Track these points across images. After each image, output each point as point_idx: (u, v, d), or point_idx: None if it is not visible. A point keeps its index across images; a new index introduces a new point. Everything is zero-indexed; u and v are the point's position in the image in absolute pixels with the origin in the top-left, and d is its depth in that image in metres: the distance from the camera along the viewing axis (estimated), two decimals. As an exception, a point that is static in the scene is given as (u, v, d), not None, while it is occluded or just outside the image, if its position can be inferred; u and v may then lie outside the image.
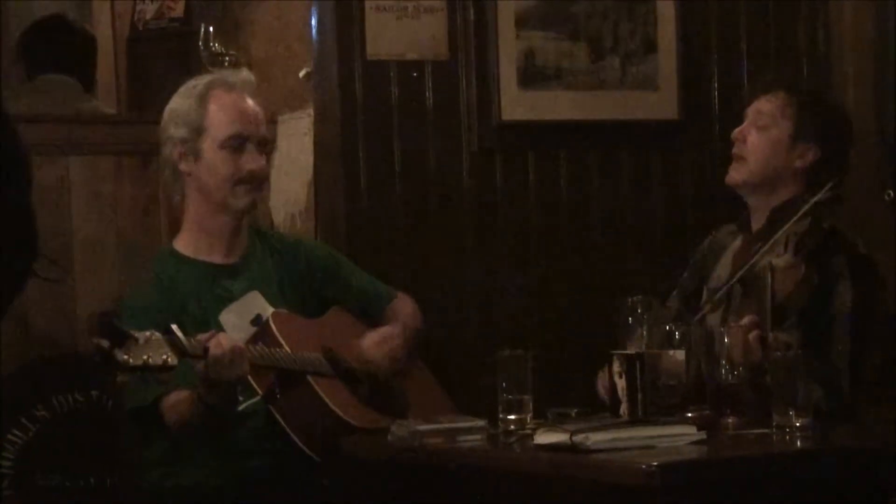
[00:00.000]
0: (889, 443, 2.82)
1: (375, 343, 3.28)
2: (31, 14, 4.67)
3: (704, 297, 3.32)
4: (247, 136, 3.24)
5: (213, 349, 2.98)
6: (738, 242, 3.34)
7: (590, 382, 3.16)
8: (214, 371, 2.97)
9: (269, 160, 3.83)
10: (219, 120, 3.24)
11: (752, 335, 2.96)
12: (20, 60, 4.30)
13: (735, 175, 3.30)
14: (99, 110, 4.28)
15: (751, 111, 3.32)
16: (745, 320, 3.02)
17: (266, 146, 3.30)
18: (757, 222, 3.30)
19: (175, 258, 3.29)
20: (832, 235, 3.20)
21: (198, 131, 3.24)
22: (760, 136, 3.28)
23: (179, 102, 3.28)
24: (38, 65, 4.22)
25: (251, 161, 3.24)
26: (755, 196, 3.30)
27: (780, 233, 3.13)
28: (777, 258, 3.10)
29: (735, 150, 3.31)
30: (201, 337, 3.00)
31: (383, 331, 3.32)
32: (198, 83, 3.29)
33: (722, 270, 3.32)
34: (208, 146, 3.24)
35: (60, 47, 4.24)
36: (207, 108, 3.24)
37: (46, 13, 4.59)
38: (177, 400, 3.08)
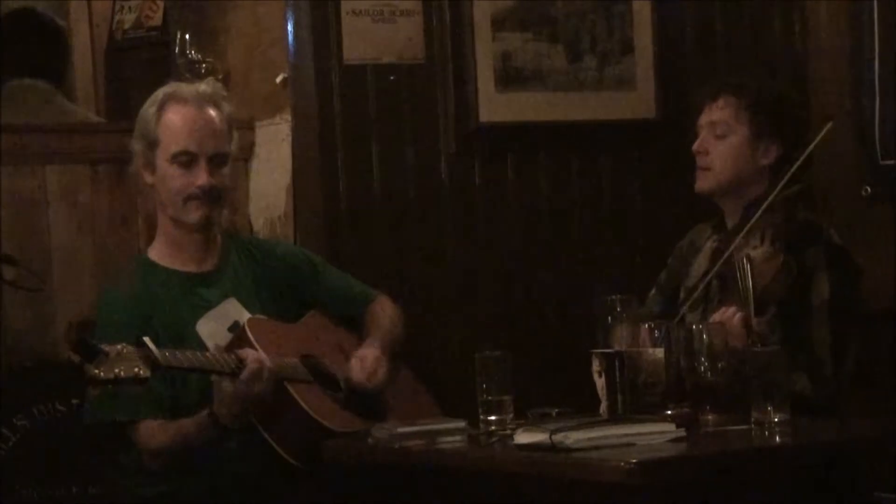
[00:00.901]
0: (868, 437, 2.83)
1: (360, 368, 3.25)
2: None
3: (682, 295, 3.33)
4: (196, 152, 3.21)
5: (252, 363, 2.98)
6: (713, 242, 3.35)
7: (570, 382, 3.15)
8: (248, 386, 2.98)
9: (247, 170, 3.84)
10: (169, 134, 3.22)
11: (736, 318, 2.97)
12: None
13: (703, 184, 3.33)
14: (76, 116, 4.25)
15: (704, 122, 3.34)
16: (730, 309, 3.03)
17: (223, 160, 3.24)
18: (731, 220, 3.32)
19: (149, 267, 3.28)
20: (807, 227, 3.22)
21: (153, 145, 3.23)
22: (721, 144, 3.30)
23: (142, 113, 3.28)
24: (6, 68, 4.17)
25: (201, 177, 3.20)
26: (726, 198, 3.32)
27: (752, 221, 3.14)
28: (754, 250, 3.12)
29: (699, 163, 3.33)
30: (239, 352, 3.02)
31: (368, 355, 3.29)
32: (158, 94, 3.27)
33: (699, 269, 3.34)
34: (161, 160, 3.23)
35: (29, 46, 4.19)
36: (161, 121, 3.23)
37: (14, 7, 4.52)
38: (160, 427, 3.08)
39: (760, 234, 3.16)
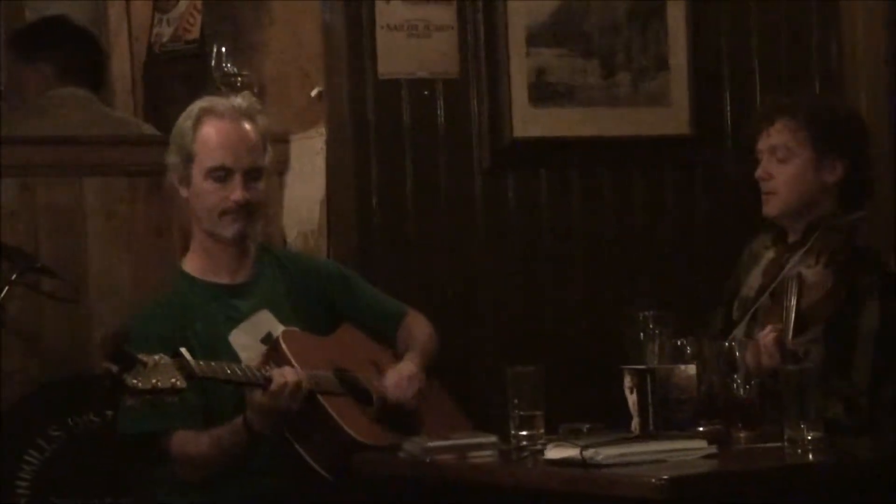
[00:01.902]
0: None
1: (396, 384, 3.27)
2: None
3: (736, 308, 3.32)
4: (231, 167, 3.23)
5: (278, 379, 3.01)
6: (770, 254, 3.33)
7: (601, 398, 3.15)
8: (275, 400, 3.00)
9: (281, 183, 3.85)
10: (205, 149, 3.23)
11: (770, 336, 2.96)
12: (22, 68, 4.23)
13: (770, 209, 3.29)
14: (118, 123, 4.27)
15: (763, 148, 3.30)
16: (767, 329, 3.02)
17: (258, 174, 3.26)
18: (793, 236, 3.30)
19: (184, 279, 3.30)
20: (865, 253, 3.19)
21: (188, 159, 3.25)
22: (784, 169, 3.27)
23: (178, 127, 3.29)
24: (44, 77, 4.20)
25: (236, 192, 3.21)
26: (791, 218, 3.30)
27: (809, 242, 3.13)
28: (807, 269, 3.11)
29: (763, 189, 3.29)
30: (255, 364, 3.06)
31: (405, 370, 3.30)
32: (194, 108, 3.29)
33: (753, 281, 3.32)
34: (196, 174, 3.25)
35: (65, 54, 4.22)
36: (197, 136, 3.24)
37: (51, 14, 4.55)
38: (193, 437, 3.11)
39: (817, 254, 3.15)
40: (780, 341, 3.00)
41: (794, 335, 3.04)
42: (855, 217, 3.19)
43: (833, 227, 3.15)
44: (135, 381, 2.86)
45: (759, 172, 3.30)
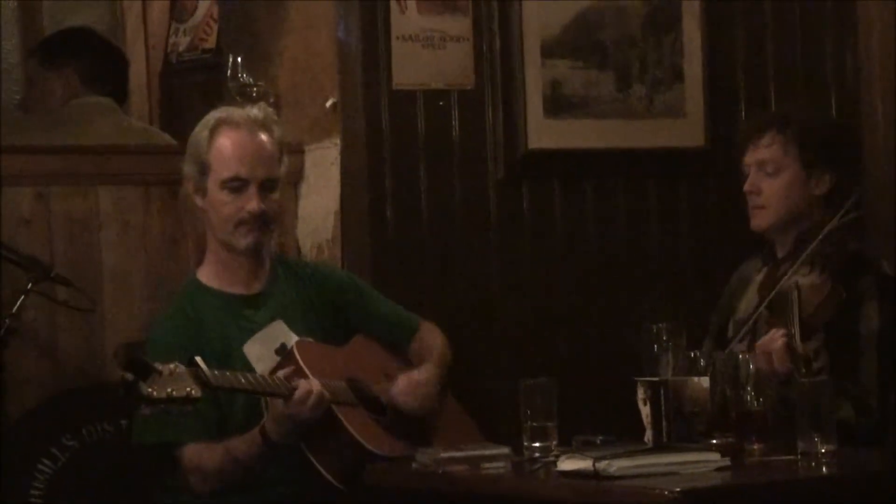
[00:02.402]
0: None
1: (406, 389, 3.27)
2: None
3: (731, 329, 3.32)
4: (247, 178, 3.23)
5: (304, 386, 3.02)
6: (762, 274, 3.34)
7: (615, 410, 3.15)
8: (298, 410, 3.01)
9: (296, 194, 3.86)
10: (221, 160, 3.24)
11: (780, 341, 2.96)
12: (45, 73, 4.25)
13: (759, 222, 3.30)
14: (141, 132, 4.29)
15: (751, 161, 3.31)
16: (772, 333, 3.02)
17: (274, 185, 3.26)
18: (782, 250, 3.30)
19: (199, 289, 3.31)
20: (858, 257, 3.20)
21: (204, 169, 3.26)
22: (773, 182, 3.28)
23: (194, 137, 3.30)
24: (69, 86, 4.23)
25: (252, 202, 3.22)
26: (779, 231, 3.30)
27: (804, 255, 3.13)
28: (803, 277, 3.11)
29: (752, 203, 3.30)
30: (280, 374, 3.07)
31: (416, 376, 3.30)
32: (210, 118, 3.30)
33: (748, 302, 3.33)
34: (212, 185, 3.25)
35: (89, 63, 4.24)
36: (212, 146, 3.25)
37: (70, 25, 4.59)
38: (207, 448, 3.11)
39: (810, 262, 3.15)
40: (790, 346, 3.00)
41: (801, 341, 3.04)
42: (845, 221, 3.18)
43: (824, 236, 3.16)
44: (150, 390, 2.86)
45: (747, 186, 3.31)
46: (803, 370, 2.97)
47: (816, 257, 3.15)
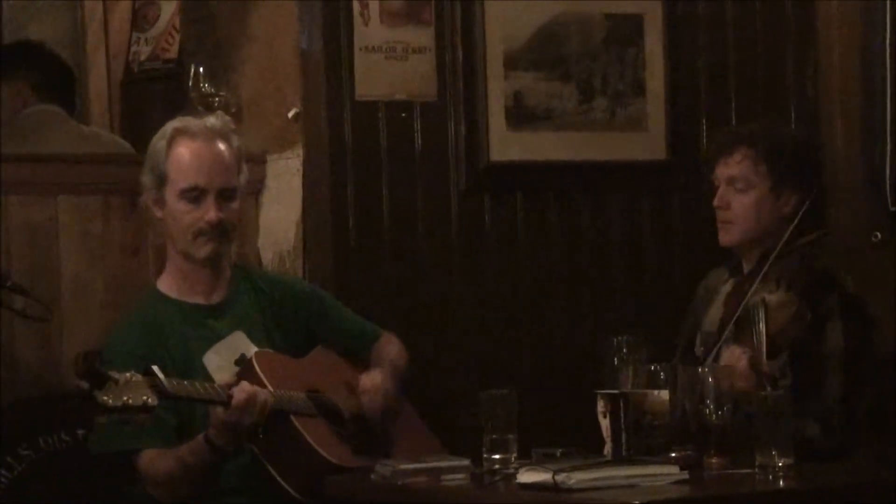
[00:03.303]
0: (874, 483, 2.82)
1: (362, 390, 3.27)
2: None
3: (698, 341, 3.33)
4: (204, 188, 3.22)
5: (238, 395, 3.00)
6: (728, 287, 3.35)
7: (575, 422, 3.15)
8: (235, 416, 3.00)
9: (257, 203, 3.85)
10: (178, 170, 3.23)
11: (744, 360, 2.97)
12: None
13: (727, 238, 3.31)
14: (93, 138, 4.29)
15: (721, 176, 3.33)
16: (737, 349, 3.03)
17: (232, 195, 3.25)
18: (748, 265, 3.32)
19: (159, 298, 3.29)
20: (822, 275, 3.22)
21: (161, 180, 3.25)
22: (743, 198, 3.30)
23: (151, 147, 3.30)
24: (18, 97, 4.23)
25: (210, 212, 3.21)
26: (746, 247, 3.32)
27: (766, 266, 3.14)
28: (769, 295, 3.12)
29: (720, 217, 3.31)
30: (224, 383, 3.05)
31: (371, 378, 3.30)
32: (167, 128, 3.29)
33: (714, 315, 3.34)
34: (170, 195, 3.24)
35: (36, 75, 4.25)
36: (170, 156, 3.24)
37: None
38: (159, 455, 3.10)
39: (776, 279, 3.16)
40: (754, 364, 3.01)
41: (767, 359, 3.05)
42: (809, 240, 3.21)
43: (789, 253, 3.18)
44: (105, 398, 2.85)
45: (717, 201, 3.32)
46: (768, 388, 2.98)
47: (783, 275, 3.16)
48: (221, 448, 3.05)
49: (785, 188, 3.27)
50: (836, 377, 3.13)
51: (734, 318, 3.17)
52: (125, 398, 2.86)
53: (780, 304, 3.12)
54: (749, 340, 3.09)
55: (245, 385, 3.04)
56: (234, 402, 3.01)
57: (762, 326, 3.04)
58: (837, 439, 3.11)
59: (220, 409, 3.02)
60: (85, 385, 2.85)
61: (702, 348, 3.29)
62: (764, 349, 3.04)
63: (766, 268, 3.16)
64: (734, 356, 3.07)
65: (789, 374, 3.11)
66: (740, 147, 3.30)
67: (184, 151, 3.23)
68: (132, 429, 3.02)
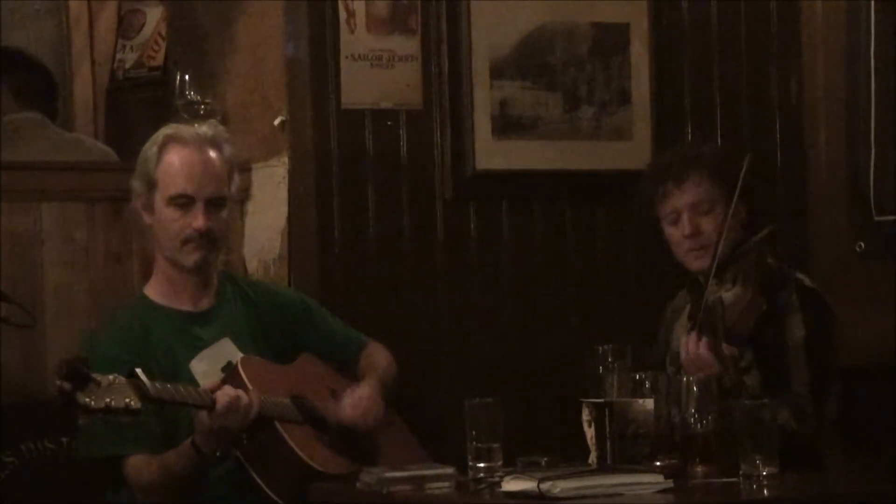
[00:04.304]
0: (857, 493, 2.83)
1: (352, 405, 3.27)
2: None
3: (668, 362, 3.36)
4: (193, 195, 3.22)
5: (222, 399, 2.99)
6: (690, 304, 3.37)
7: (560, 430, 3.15)
8: (219, 420, 2.99)
9: (242, 211, 3.84)
10: (168, 177, 3.23)
11: (702, 344, 2.99)
12: None
13: (702, 263, 3.32)
14: (75, 144, 4.28)
15: (681, 205, 3.33)
16: (691, 337, 3.05)
17: (221, 203, 3.25)
18: (703, 276, 3.33)
19: (146, 305, 3.29)
20: (776, 271, 3.26)
21: (151, 186, 3.25)
22: (710, 219, 3.32)
23: (143, 153, 3.29)
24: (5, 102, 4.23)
25: (198, 220, 3.20)
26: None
27: (713, 266, 3.17)
28: (726, 292, 3.15)
29: (692, 245, 3.33)
30: (208, 387, 3.03)
31: (358, 391, 3.30)
32: (159, 135, 3.29)
33: (681, 330, 3.35)
34: (159, 201, 3.24)
35: (17, 81, 4.25)
36: (160, 163, 3.24)
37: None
38: (145, 461, 3.09)
39: (732, 278, 3.19)
40: (714, 348, 3.04)
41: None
42: (761, 237, 3.23)
43: (743, 253, 3.20)
44: (87, 400, 2.84)
45: (688, 231, 3.32)
46: (730, 369, 3.00)
47: (738, 272, 3.19)
48: (207, 453, 3.04)
49: (739, 204, 3.28)
50: (801, 368, 3.19)
51: (696, 324, 3.18)
52: (107, 400, 2.85)
53: (735, 298, 3.15)
54: (708, 334, 3.11)
55: (228, 388, 3.03)
56: (218, 405, 3.00)
57: (720, 323, 3.08)
58: (810, 428, 3.15)
59: (204, 414, 3.02)
60: (67, 386, 2.84)
61: (672, 368, 3.31)
62: (721, 337, 3.07)
63: (713, 266, 3.18)
64: (691, 342, 3.09)
65: (755, 374, 3.14)
66: (693, 171, 3.32)
67: (174, 158, 3.23)
68: (118, 434, 3.02)
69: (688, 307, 3.36)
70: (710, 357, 3.06)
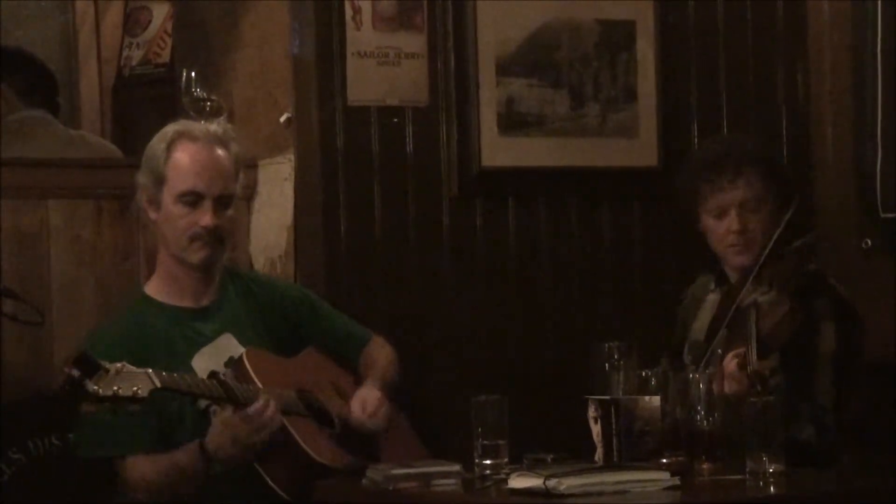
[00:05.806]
0: (864, 490, 2.83)
1: (361, 408, 3.26)
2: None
3: (686, 350, 3.34)
4: (202, 193, 3.21)
5: (262, 398, 2.99)
6: (715, 296, 3.36)
7: (566, 427, 3.15)
8: (248, 424, 2.99)
9: (249, 209, 3.84)
10: (177, 173, 3.22)
11: (732, 364, 2.99)
12: None
13: (745, 259, 3.31)
14: (78, 141, 4.29)
15: (730, 203, 3.31)
16: (728, 356, 3.04)
17: (229, 201, 3.25)
18: (734, 274, 3.32)
19: (147, 303, 3.29)
20: (815, 278, 3.23)
21: (159, 181, 3.23)
22: (757, 217, 3.31)
23: (150, 148, 3.28)
24: (10, 100, 4.24)
25: (206, 217, 3.20)
26: None
27: (755, 270, 3.15)
28: (762, 296, 3.13)
29: (737, 241, 3.31)
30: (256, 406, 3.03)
31: (368, 393, 3.29)
32: (168, 130, 3.27)
33: (702, 323, 3.34)
34: (167, 198, 3.23)
35: (24, 77, 4.26)
36: (169, 159, 3.22)
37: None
38: (149, 460, 3.09)
39: (769, 281, 3.18)
40: (744, 366, 3.02)
41: (757, 359, 3.07)
42: (801, 243, 3.22)
43: (781, 256, 3.19)
44: (95, 387, 2.83)
45: (736, 228, 3.30)
46: (758, 388, 2.99)
47: (776, 277, 3.17)
48: (213, 457, 3.03)
49: (786, 198, 3.28)
50: (827, 378, 3.17)
51: (726, 322, 3.17)
52: (115, 388, 2.84)
53: (773, 305, 3.13)
54: (741, 343, 3.09)
55: (270, 401, 3.02)
56: (254, 406, 2.98)
57: (753, 327, 3.06)
58: (830, 439, 3.14)
59: (228, 410, 3.00)
60: (76, 373, 2.83)
61: (690, 357, 3.30)
62: (755, 349, 3.05)
63: (756, 270, 3.17)
64: (726, 360, 3.08)
65: (779, 375, 3.13)
66: (747, 170, 3.30)
67: (184, 155, 3.23)
68: (116, 433, 3.01)
69: (712, 297, 3.33)
70: (741, 376, 3.03)
